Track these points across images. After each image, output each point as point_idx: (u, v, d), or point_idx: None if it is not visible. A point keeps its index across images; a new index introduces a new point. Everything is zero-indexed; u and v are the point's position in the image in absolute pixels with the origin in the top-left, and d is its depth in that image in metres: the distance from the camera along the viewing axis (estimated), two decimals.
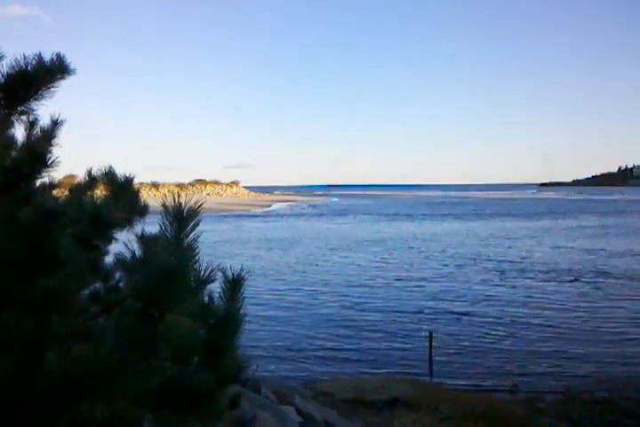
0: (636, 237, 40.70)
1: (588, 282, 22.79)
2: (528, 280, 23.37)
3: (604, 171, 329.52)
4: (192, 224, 1.48)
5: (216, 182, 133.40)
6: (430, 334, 12.79)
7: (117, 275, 2.48)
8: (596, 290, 21.11)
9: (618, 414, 8.89)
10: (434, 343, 12.70)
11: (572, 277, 23.68)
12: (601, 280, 23.02)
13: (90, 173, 2.56)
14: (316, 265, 28.22)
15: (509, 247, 35.13)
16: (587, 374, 11.80)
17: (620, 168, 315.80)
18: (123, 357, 1.40)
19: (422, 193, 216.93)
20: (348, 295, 20.61)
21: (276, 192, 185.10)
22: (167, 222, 1.47)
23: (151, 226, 2.09)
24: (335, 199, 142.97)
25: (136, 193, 2.50)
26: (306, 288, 22.02)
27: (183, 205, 1.46)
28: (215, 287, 2.18)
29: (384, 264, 28.47)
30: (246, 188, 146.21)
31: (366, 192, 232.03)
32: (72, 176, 2.80)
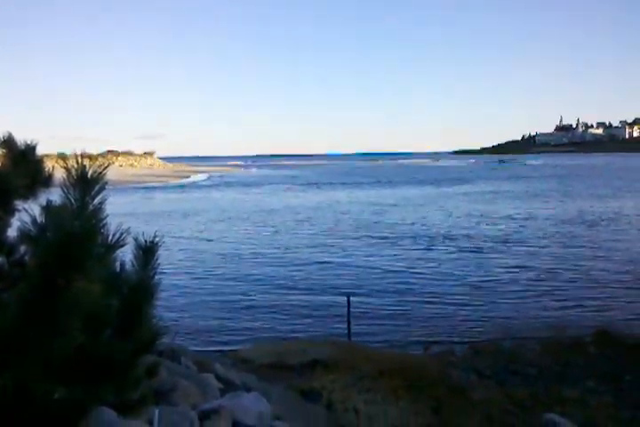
0: (519, 202, 43.46)
1: (473, 245, 24.01)
2: (419, 246, 24.10)
3: (510, 139, 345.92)
4: (97, 187, 1.42)
5: (129, 153, 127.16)
6: (348, 297, 13.13)
7: (22, 249, 2.36)
8: (482, 254, 22.19)
9: (521, 364, 9.56)
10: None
11: (468, 243, 24.74)
12: (489, 244, 24.27)
13: None
14: (197, 236, 27.66)
15: (410, 214, 36.22)
16: (491, 328, 12.58)
17: (523, 136, 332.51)
18: (28, 327, 1.35)
19: (341, 162, 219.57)
20: (240, 265, 20.22)
21: (196, 163, 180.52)
22: (70, 185, 1.40)
23: (58, 197, 1.99)
24: (254, 169, 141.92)
25: (38, 161, 2.38)
26: (195, 260, 21.54)
27: (87, 167, 1.40)
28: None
29: (281, 235, 28.28)
30: (163, 159, 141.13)
31: (292, 162, 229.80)
32: None
